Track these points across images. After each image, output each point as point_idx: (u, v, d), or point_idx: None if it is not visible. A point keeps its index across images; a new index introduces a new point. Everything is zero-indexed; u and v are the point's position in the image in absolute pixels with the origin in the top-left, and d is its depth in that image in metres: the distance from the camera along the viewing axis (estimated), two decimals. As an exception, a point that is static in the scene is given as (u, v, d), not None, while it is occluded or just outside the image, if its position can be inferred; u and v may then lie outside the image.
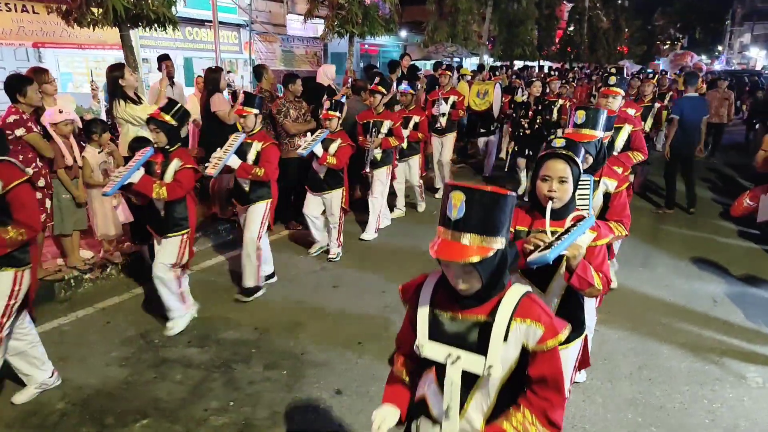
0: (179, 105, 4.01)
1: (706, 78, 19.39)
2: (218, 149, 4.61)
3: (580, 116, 2.92)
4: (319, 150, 5.19)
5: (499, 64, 17.40)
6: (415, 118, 6.90)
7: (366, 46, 22.46)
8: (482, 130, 9.51)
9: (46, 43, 11.52)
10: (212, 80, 5.83)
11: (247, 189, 4.64)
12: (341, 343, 4.10)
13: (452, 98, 7.89)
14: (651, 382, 3.61)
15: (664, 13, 53.59)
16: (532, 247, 2.03)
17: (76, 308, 4.62)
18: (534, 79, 8.64)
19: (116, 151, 5.36)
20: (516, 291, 1.61)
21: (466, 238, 1.45)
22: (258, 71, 6.65)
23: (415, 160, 7.08)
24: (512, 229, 2.27)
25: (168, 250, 4.09)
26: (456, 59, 17.05)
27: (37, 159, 4.54)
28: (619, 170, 3.64)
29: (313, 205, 5.61)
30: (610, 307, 4.58)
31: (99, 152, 5.07)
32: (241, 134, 4.60)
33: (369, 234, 6.37)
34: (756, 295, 4.95)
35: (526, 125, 7.83)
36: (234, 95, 5.96)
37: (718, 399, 3.43)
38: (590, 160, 2.93)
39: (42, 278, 4.76)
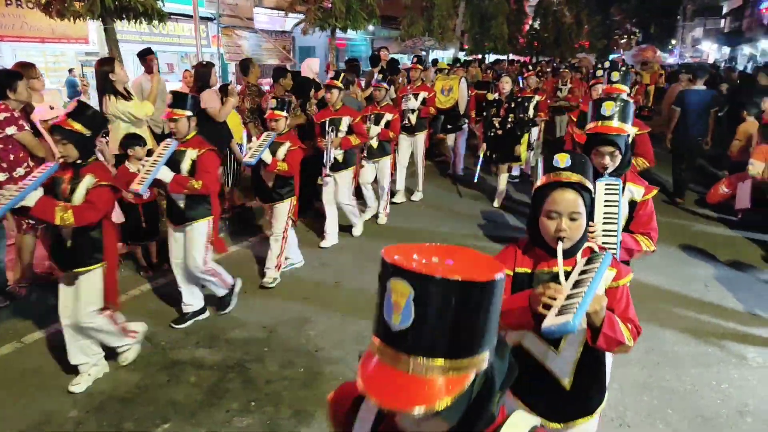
0: (93, 110, 3.40)
1: (667, 71, 20.03)
2: (146, 159, 4.05)
3: (608, 107, 2.54)
4: (267, 156, 4.59)
5: (470, 58, 17.57)
6: (387, 116, 6.27)
7: (326, 34, 22.42)
8: (449, 127, 8.88)
9: (4, 36, 11.00)
10: (202, 76, 5.69)
11: (182, 206, 4.02)
12: (353, 339, 4.09)
13: (423, 94, 7.35)
14: (660, 366, 3.74)
15: (621, 8, 55.25)
16: (543, 310, 1.57)
17: (72, 312, 4.45)
18: (503, 73, 7.82)
19: (105, 149, 5.19)
20: (514, 428, 1.01)
21: (420, 366, 0.82)
22: (245, 65, 6.54)
23: (386, 162, 6.54)
24: (510, 272, 1.85)
25: (86, 292, 3.40)
26: (423, 53, 17.12)
27: (29, 158, 4.35)
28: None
29: None
30: (608, 295, 4.72)
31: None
32: (172, 141, 3.92)
33: (358, 230, 6.32)
34: (744, 279, 5.17)
35: (497, 125, 7.07)
36: (224, 90, 5.81)
37: (724, 380, 3.58)
38: (618, 159, 2.56)
39: (35, 281, 4.59)
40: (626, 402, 3.35)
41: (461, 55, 17.50)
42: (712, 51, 43.15)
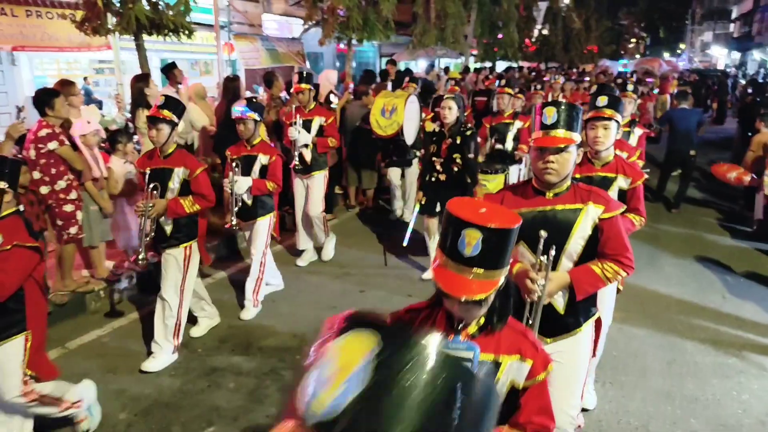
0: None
1: (681, 77, 20.01)
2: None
3: (471, 239, 1.51)
4: None
5: (479, 65, 17.73)
6: (262, 159, 4.56)
7: (342, 45, 22.69)
8: (394, 159, 6.93)
9: (27, 46, 11.19)
10: (232, 89, 5.88)
11: None
12: (382, 347, 4.23)
13: (318, 120, 5.47)
14: (682, 376, 3.87)
15: (629, 12, 55.49)
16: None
17: (110, 319, 4.64)
18: (449, 96, 5.16)
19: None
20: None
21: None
22: (269, 79, 6.73)
23: (263, 225, 4.69)
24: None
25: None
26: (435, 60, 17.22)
27: (69, 171, 4.53)
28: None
29: None
30: (626, 305, 4.83)
31: (124, 162, 5.08)
32: None
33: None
34: (760, 291, 5.28)
35: (439, 167, 5.08)
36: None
37: (745, 391, 3.70)
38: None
39: (73, 291, 4.76)
40: (649, 411, 3.48)
41: (471, 62, 17.67)
42: (721, 56, 43.14)
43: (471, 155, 4.96)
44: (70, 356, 4.10)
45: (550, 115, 2.22)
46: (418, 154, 6.87)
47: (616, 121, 3.16)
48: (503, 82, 6.85)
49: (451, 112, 4.92)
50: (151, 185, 3.79)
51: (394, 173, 7.08)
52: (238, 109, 4.55)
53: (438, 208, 5.13)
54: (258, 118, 4.54)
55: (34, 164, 4.39)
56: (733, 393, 3.68)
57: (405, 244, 5.70)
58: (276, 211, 4.81)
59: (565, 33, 25.81)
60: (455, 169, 5.00)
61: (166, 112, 3.76)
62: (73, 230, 4.61)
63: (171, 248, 3.96)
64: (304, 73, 5.38)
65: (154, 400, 3.57)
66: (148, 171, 3.83)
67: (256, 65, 16.30)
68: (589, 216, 2.26)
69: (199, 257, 4.11)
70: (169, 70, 6.74)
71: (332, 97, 7.95)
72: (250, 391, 3.68)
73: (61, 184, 4.50)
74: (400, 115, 6.32)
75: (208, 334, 4.42)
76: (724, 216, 7.78)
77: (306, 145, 5.41)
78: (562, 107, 2.23)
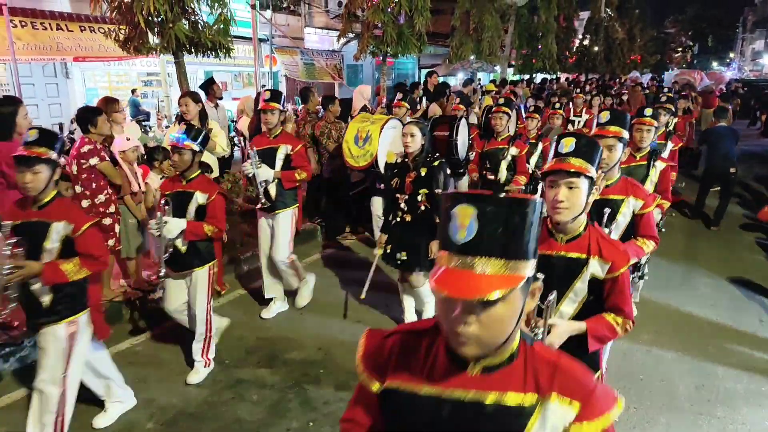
0: None
1: (729, 88, 19.31)
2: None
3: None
4: None
5: (517, 77, 17.62)
6: (199, 198, 3.76)
7: (380, 57, 22.95)
8: (378, 186, 6.11)
9: (86, 57, 11.77)
10: (265, 105, 6.04)
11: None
12: (404, 363, 4.25)
13: (283, 149, 4.59)
14: (711, 403, 3.75)
15: (675, 21, 54.08)
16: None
17: (144, 328, 4.82)
18: (410, 121, 4.54)
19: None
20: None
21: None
22: (305, 94, 6.90)
23: (201, 278, 3.93)
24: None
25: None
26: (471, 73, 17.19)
27: (108, 186, 4.76)
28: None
29: None
30: (658, 326, 4.74)
31: (161, 178, 5.30)
32: None
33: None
34: (801, 315, 5.07)
35: (403, 205, 4.33)
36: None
37: (779, 420, 3.56)
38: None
39: (110, 300, 4.98)
40: (675, 439, 3.40)
41: (509, 72, 17.57)
42: (773, 64, 41.54)
43: (439, 190, 4.16)
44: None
45: (462, 232, 1.09)
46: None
47: (588, 177, 2.02)
48: (501, 99, 6.00)
49: (414, 140, 4.16)
50: (14, 240, 2.81)
51: (376, 203, 6.07)
52: (173, 135, 3.76)
53: (404, 257, 4.33)
54: (198, 149, 3.69)
55: (76, 179, 4.64)
56: (766, 423, 3.54)
57: (363, 296, 4.61)
58: (219, 260, 4.03)
59: (606, 43, 25.35)
60: (420, 209, 4.25)
61: (40, 150, 2.80)
62: (111, 242, 4.82)
63: (49, 325, 3.02)
64: (273, 90, 4.61)
65: (181, 410, 3.69)
66: (10, 224, 2.89)
67: (296, 77, 16.70)
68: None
69: (90, 334, 3.23)
70: (208, 86, 7.01)
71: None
72: (272, 404, 3.76)
73: (101, 198, 4.72)
74: (374, 144, 5.48)
75: (235, 345, 4.53)
76: (765, 235, 7.49)
77: (266, 182, 4.55)
78: (489, 208, 1.09)
